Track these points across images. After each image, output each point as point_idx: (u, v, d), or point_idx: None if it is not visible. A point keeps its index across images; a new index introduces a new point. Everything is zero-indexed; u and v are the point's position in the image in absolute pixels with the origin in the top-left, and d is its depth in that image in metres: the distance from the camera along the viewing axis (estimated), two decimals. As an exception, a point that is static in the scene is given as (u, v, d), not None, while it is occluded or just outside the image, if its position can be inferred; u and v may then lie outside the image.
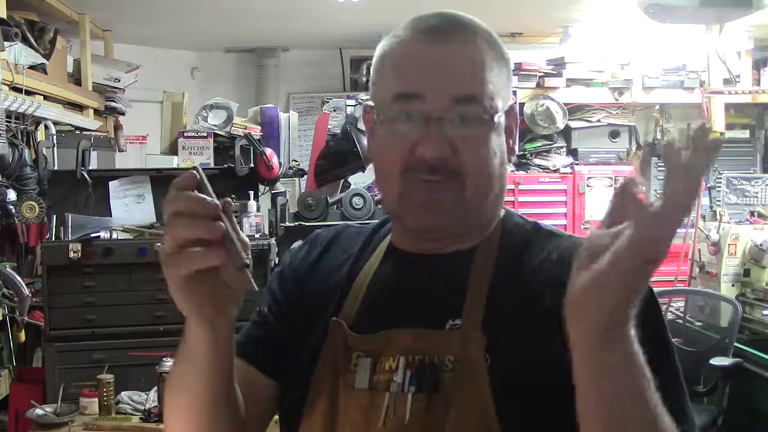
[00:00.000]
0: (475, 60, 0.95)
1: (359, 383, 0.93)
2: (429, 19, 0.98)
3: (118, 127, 4.69)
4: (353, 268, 1.04)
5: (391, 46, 0.99)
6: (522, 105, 4.57)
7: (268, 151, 3.40)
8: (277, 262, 3.32)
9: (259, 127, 3.58)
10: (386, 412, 0.90)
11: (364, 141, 3.50)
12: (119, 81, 4.53)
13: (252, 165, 3.38)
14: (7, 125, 3.05)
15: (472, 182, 0.95)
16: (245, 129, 3.50)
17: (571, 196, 4.69)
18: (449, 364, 0.91)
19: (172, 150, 3.59)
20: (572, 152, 4.86)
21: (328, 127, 3.69)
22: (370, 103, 1.04)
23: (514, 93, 2.96)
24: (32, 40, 3.64)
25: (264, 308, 1.10)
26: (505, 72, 0.99)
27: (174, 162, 3.47)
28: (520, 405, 0.87)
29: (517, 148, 1.04)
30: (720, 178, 4.56)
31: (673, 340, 0.95)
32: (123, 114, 4.72)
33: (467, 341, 0.91)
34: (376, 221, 1.14)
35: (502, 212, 1.05)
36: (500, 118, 0.96)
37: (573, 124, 4.84)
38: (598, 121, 4.93)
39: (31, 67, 3.43)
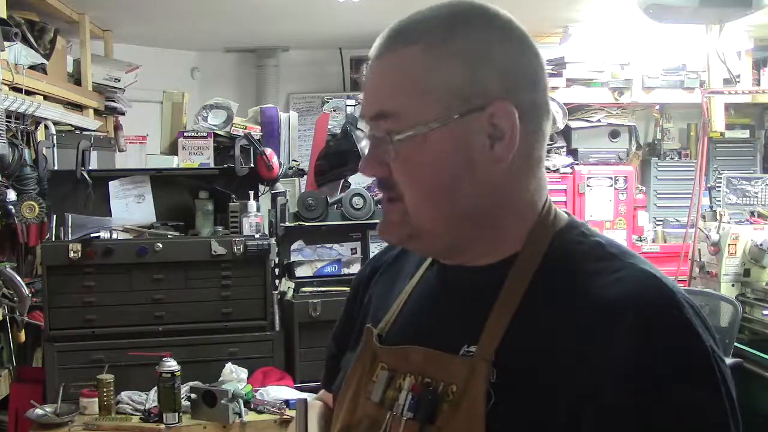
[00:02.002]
0: (389, 70, 0.89)
1: (374, 396, 0.92)
2: (380, 37, 0.92)
3: (118, 127, 4.69)
4: (409, 274, 1.04)
5: None
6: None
7: (268, 151, 3.40)
8: (276, 262, 3.33)
9: (259, 127, 3.58)
10: None
11: (364, 141, 3.50)
12: (119, 81, 4.53)
13: (252, 165, 3.38)
14: (7, 125, 3.05)
15: (412, 202, 0.88)
16: (245, 129, 3.50)
17: (571, 196, 4.69)
18: (451, 394, 0.86)
19: (172, 150, 3.58)
20: (572, 152, 4.86)
21: (328, 127, 3.68)
22: None
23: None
24: (32, 40, 3.64)
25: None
26: (455, 70, 0.86)
27: (174, 162, 3.46)
28: None
29: (512, 149, 0.87)
30: (720, 178, 4.55)
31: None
32: (123, 114, 4.72)
33: (474, 373, 0.84)
34: None
35: (563, 221, 0.93)
36: (428, 129, 0.85)
37: (573, 124, 4.84)
38: (598, 121, 4.93)
39: (31, 67, 3.43)
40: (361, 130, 0.94)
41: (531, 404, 0.82)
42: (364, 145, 3.47)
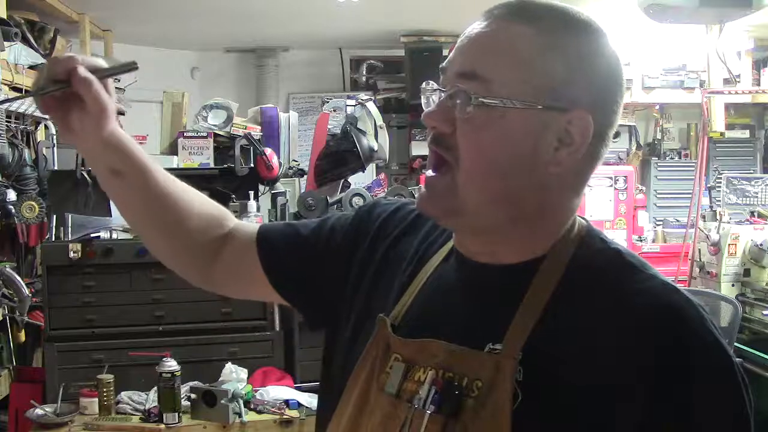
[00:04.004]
0: (498, 37, 0.88)
1: (389, 387, 0.91)
2: (495, 7, 0.92)
3: (118, 127, 4.69)
4: (418, 265, 1.01)
5: None
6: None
7: (268, 151, 3.40)
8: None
9: (259, 127, 3.58)
10: (402, 426, 0.88)
11: (364, 141, 3.50)
12: (119, 81, 4.52)
13: (252, 165, 3.38)
14: (7, 125, 3.05)
15: (465, 171, 0.88)
16: (245, 129, 3.50)
17: (571, 196, 4.68)
18: (476, 390, 0.86)
19: (172, 150, 3.58)
20: (572, 152, 4.85)
21: (328, 127, 3.69)
22: None
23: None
24: (32, 40, 3.64)
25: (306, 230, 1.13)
26: (557, 62, 0.87)
27: (174, 162, 3.46)
28: None
29: (570, 164, 0.89)
30: (720, 178, 4.56)
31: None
32: (123, 114, 4.70)
33: (500, 370, 0.85)
34: None
35: (584, 229, 0.95)
36: (505, 104, 0.86)
37: (573, 124, 4.84)
38: (598, 121, 4.92)
39: (31, 67, 3.43)
40: (433, 84, 0.90)
41: (557, 405, 0.83)
42: (365, 145, 3.48)
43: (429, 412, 0.86)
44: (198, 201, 1.16)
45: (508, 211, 0.90)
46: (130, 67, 1.04)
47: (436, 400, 0.86)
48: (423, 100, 0.94)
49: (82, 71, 0.94)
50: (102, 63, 0.99)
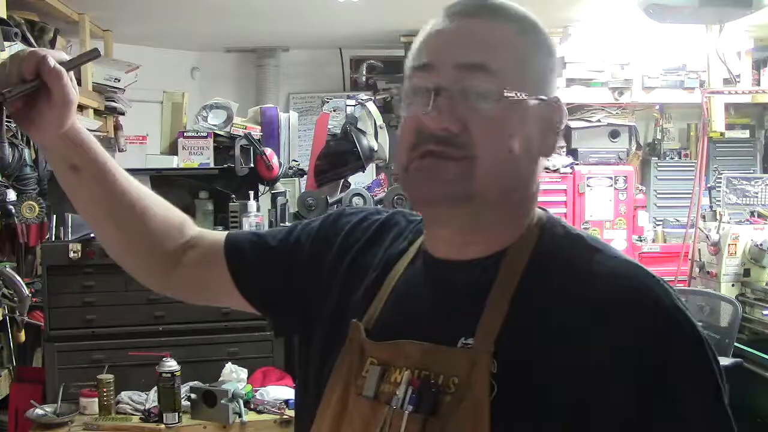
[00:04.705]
0: (494, 35, 0.90)
1: (366, 390, 0.91)
2: (458, 4, 0.93)
3: (118, 127, 4.69)
4: (385, 270, 1.01)
5: (420, 35, 0.96)
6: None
7: (268, 151, 3.40)
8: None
9: (259, 127, 3.58)
10: (382, 428, 0.88)
11: (364, 141, 3.50)
12: (119, 81, 4.53)
13: (252, 165, 3.38)
14: (7, 125, 3.05)
15: (483, 162, 0.87)
16: (245, 129, 3.50)
17: (571, 196, 4.69)
18: (452, 387, 0.86)
19: (172, 150, 3.58)
20: (572, 152, 4.86)
21: (328, 127, 3.69)
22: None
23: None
24: (32, 40, 3.64)
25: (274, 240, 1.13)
26: (540, 61, 0.93)
27: (174, 162, 3.47)
28: None
29: (556, 147, 0.95)
30: (720, 178, 4.55)
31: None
32: (123, 114, 4.72)
33: (475, 364, 0.85)
34: (418, 215, 1.06)
35: (543, 217, 0.96)
36: (521, 99, 0.88)
37: (573, 124, 4.84)
38: (598, 121, 4.93)
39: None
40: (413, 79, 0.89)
41: (532, 395, 0.84)
42: (365, 145, 3.48)
43: (407, 412, 0.87)
44: (158, 204, 1.16)
45: (511, 200, 0.92)
46: (93, 55, 1.05)
47: (413, 400, 0.87)
48: (406, 102, 0.92)
49: (52, 62, 0.95)
50: (64, 55, 0.99)
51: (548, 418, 0.83)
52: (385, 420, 0.88)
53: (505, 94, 0.87)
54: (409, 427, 0.86)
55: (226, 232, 1.18)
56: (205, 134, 3.51)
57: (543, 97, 0.91)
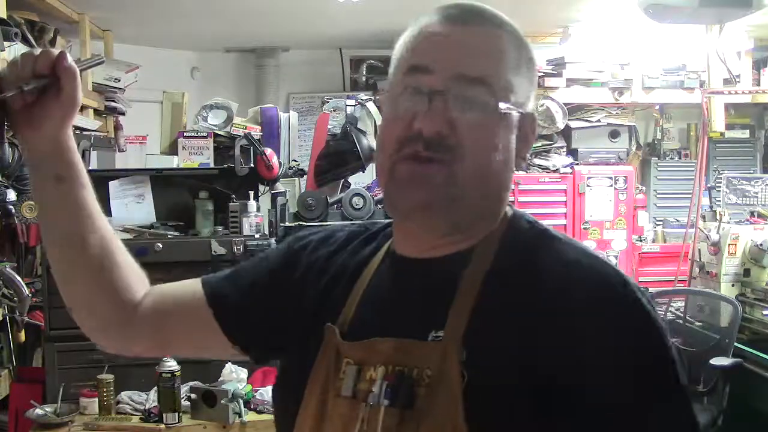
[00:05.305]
0: (492, 46, 0.93)
1: (344, 391, 0.93)
2: (452, 8, 0.95)
3: (118, 127, 4.69)
4: (354, 275, 1.03)
5: (411, 31, 0.97)
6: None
7: (268, 151, 3.40)
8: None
9: (259, 127, 3.58)
10: (361, 424, 0.90)
11: (364, 141, 3.50)
12: (119, 81, 4.53)
13: (252, 165, 3.38)
14: (7, 125, 3.05)
15: (468, 166, 0.91)
16: (245, 129, 3.50)
17: (571, 196, 4.69)
18: (426, 378, 0.89)
19: (172, 150, 3.58)
20: (572, 152, 4.86)
21: (328, 127, 3.69)
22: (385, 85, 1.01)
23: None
24: (32, 40, 3.63)
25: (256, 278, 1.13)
26: (525, 74, 0.96)
27: (174, 162, 3.47)
28: (494, 428, 0.86)
29: (527, 158, 1.01)
30: (720, 178, 4.55)
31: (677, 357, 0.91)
32: (123, 114, 4.72)
33: (446, 355, 0.88)
34: (386, 221, 1.09)
35: (510, 213, 1.00)
36: (510, 112, 0.93)
37: (573, 124, 4.84)
38: (598, 121, 4.93)
39: (31, 67, 3.43)
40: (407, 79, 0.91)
41: (500, 380, 0.86)
42: (365, 145, 3.48)
43: (384, 406, 0.89)
44: (121, 247, 1.14)
45: (488, 205, 0.97)
46: (99, 61, 1.09)
47: (388, 394, 0.89)
48: (393, 97, 0.94)
49: (69, 60, 0.95)
50: (70, 58, 1.00)
51: (520, 399, 0.85)
52: (363, 417, 0.90)
53: (500, 108, 0.92)
54: (386, 420, 0.88)
55: (201, 280, 1.17)
56: (205, 134, 3.51)
57: (527, 111, 0.97)
